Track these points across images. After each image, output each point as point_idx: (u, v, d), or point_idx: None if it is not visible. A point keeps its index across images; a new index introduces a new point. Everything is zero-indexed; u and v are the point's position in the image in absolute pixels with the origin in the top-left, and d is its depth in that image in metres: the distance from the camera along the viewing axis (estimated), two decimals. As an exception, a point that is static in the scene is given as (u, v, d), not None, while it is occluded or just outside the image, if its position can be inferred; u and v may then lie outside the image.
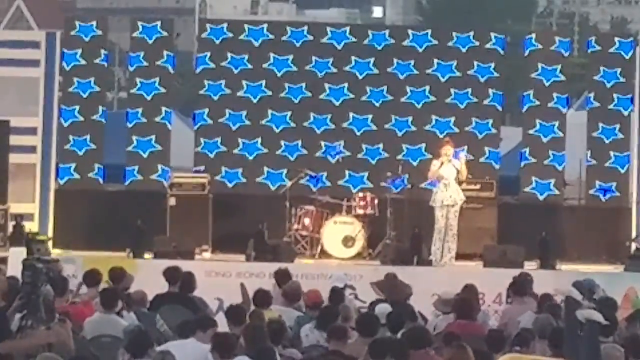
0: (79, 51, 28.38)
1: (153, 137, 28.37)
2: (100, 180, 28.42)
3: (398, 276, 21.70)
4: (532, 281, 21.69)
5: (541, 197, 28.41)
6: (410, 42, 28.97)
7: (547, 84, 28.46)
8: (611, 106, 28.16)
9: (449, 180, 26.21)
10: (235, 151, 28.58)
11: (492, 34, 29.49)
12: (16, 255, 23.61)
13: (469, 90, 28.45)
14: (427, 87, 28.56)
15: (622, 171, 28.13)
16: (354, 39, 29.01)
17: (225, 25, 29.82)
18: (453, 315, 18.82)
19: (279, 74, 28.66)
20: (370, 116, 28.58)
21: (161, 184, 28.04)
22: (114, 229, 26.91)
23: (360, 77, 28.66)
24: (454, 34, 29.21)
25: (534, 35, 30.18)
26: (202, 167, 28.51)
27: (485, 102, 28.52)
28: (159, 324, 18.41)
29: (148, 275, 22.47)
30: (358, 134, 28.64)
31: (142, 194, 28.17)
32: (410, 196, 27.17)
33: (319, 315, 18.47)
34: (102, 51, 29.04)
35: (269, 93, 28.61)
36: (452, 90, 28.51)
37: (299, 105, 28.59)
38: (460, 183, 26.66)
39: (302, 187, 27.62)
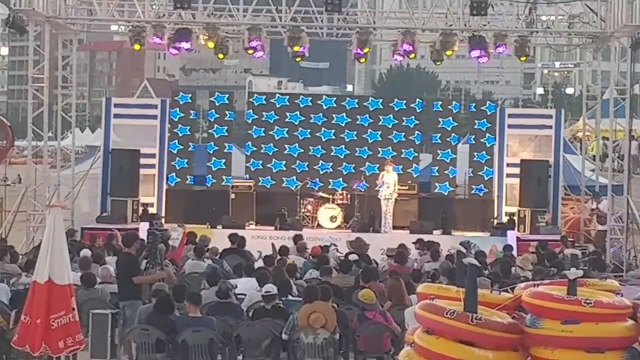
0: (179, 110, 28.61)
1: (221, 159, 28.45)
2: (191, 184, 28.63)
3: (362, 238, 22.63)
4: (438, 243, 22.19)
5: (443, 194, 28.34)
6: (368, 105, 28.99)
7: (446, 129, 28.41)
8: (482, 142, 28.29)
9: (389, 184, 26.53)
10: (268, 167, 28.61)
11: (414, 102, 29.15)
12: (144, 227, 24.39)
13: (402, 132, 28.44)
14: (376, 131, 28.45)
15: (488, 179, 28.19)
16: (335, 103, 29.07)
17: (263, 95, 30.07)
18: (393, 261, 19.67)
19: (293, 123, 28.71)
20: (344, 147, 28.55)
21: (226, 186, 28.01)
22: (199, 211, 26.84)
23: (338, 125, 28.65)
24: (392, 101, 29.07)
25: (439, 102, 30.54)
26: (249, 176, 28.63)
27: (411, 139, 28.53)
28: (224, 266, 19.13)
29: (219, 238, 23.00)
30: (337, 157, 28.57)
31: (215, 192, 28.02)
32: (368, 193, 27.32)
33: (316, 262, 19.34)
34: (192, 110, 29.19)
35: (287, 134, 28.65)
36: (391, 133, 28.47)
37: (304, 141, 28.59)
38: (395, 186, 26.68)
39: (306, 188, 27.78)
